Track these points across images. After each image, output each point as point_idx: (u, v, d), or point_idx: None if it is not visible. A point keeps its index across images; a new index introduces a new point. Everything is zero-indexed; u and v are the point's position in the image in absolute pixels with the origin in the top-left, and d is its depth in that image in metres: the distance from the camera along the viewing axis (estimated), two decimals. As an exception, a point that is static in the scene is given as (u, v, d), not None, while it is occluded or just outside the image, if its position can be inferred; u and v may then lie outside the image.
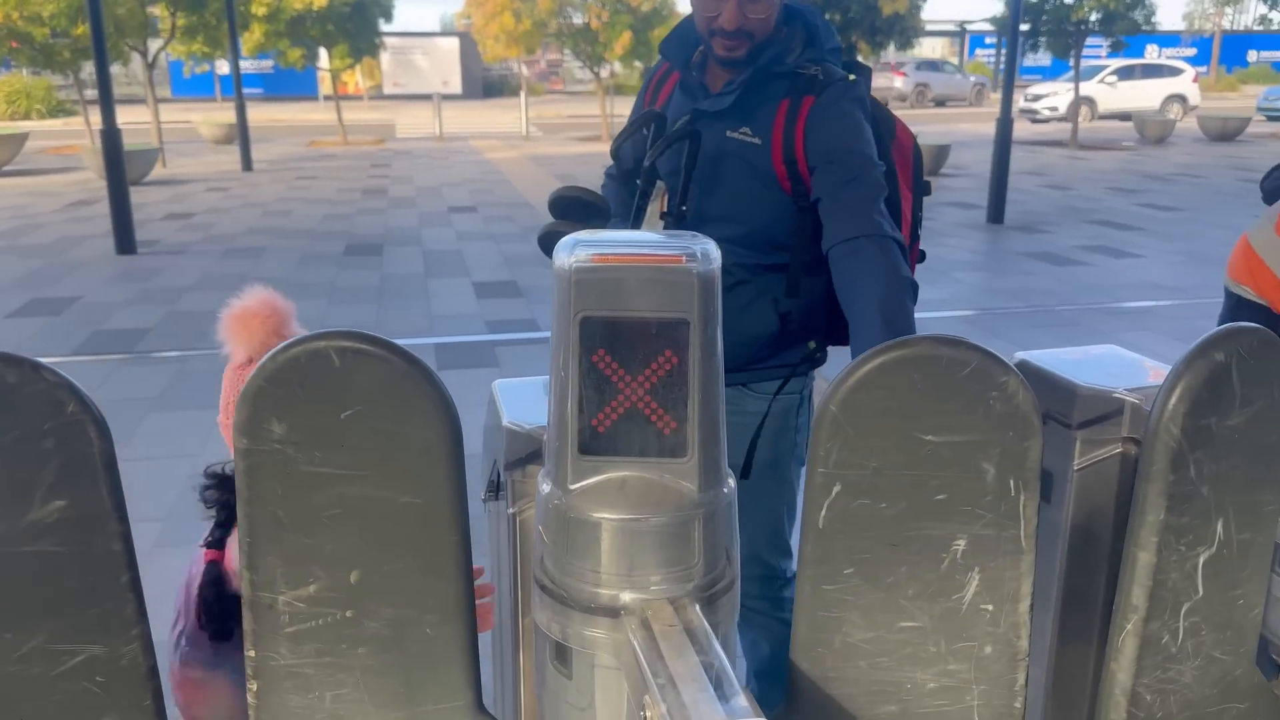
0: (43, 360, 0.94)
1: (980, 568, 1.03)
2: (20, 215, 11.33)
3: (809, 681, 1.05)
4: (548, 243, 1.78)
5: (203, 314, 6.90)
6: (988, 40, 41.34)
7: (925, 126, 22.45)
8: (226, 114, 20.86)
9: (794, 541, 1.39)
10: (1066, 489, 1.48)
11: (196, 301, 7.25)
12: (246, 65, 25.82)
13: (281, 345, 0.97)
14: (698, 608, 0.94)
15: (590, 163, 16.30)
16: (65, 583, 0.98)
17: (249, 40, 18.75)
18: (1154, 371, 1.50)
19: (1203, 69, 36.74)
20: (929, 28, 30.86)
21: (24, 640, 0.98)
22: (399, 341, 1.01)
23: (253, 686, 1.05)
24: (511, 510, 1.38)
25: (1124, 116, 24.37)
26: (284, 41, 19.16)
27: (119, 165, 9.02)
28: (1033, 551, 1.03)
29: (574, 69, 39.97)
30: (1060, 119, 23.73)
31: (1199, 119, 21.77)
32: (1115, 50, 19.46)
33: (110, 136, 8.94)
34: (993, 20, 18.98)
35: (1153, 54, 35.80)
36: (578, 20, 21.26)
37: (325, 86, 28.62)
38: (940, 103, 32.47)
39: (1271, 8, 25.47)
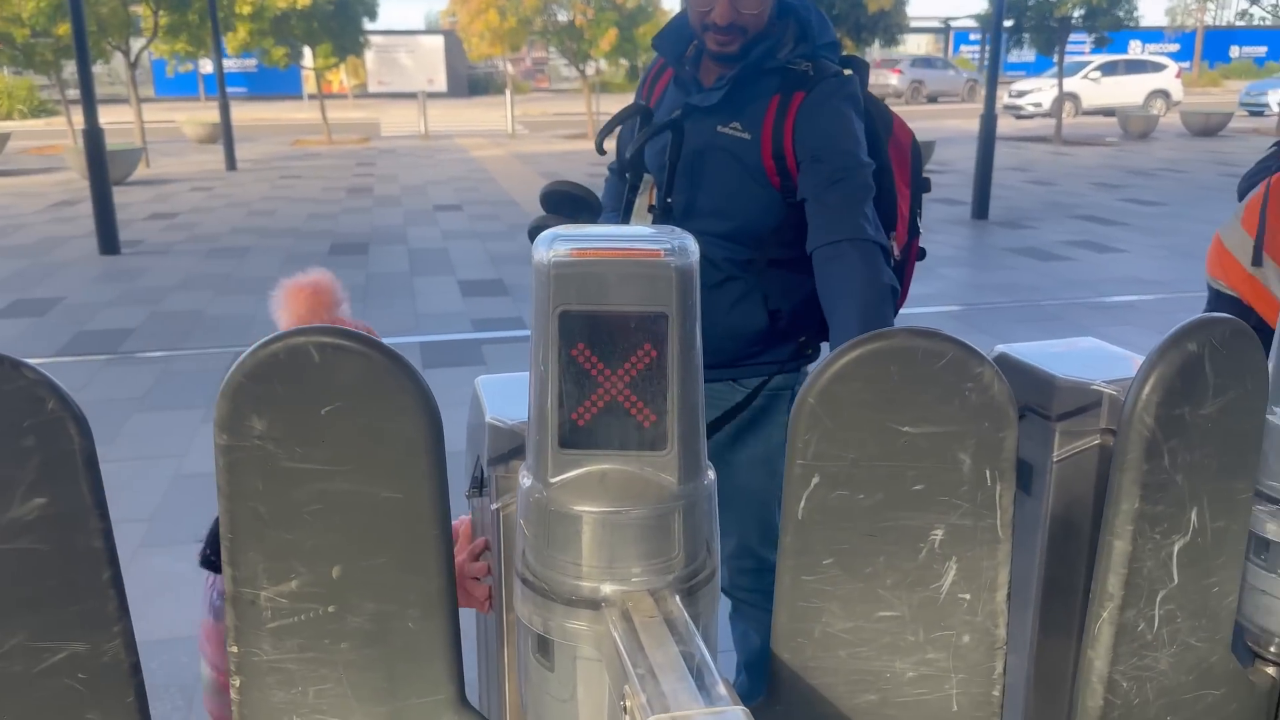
0: (24, 360, 0.95)
1: (957, 557, 1.04)
2: (2, 216, 11.27)
3: (789, 671, 1.06)
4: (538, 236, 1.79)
5: (187, 314, 6.88)
6: (972, 37, 41.48)
7: (911, 124, 22.49)
8: (210, 113, 20.76)
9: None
10: (1046, 480, 1.49)
11: (180, 301, 7.22)
12: (230, 64, 25.71)
13: (261, 341, 0.97)
14: (678, 599, 0.95)
15: (576, 160, 16.29)
16: (46, 580, 0.98)
17: (233, 39, 18.67)
18: (1133, 363, 1.51)
19: (1185, 64, 36.94)
20: (914, 24, 30.98)
21: (5, 638, 0.98)
22: (384, 340, 1.02)
23: (235, 682, 1.05)
24: (495, 506, 1.38)
25: (1108, 112, 24.48)
26: (268, 40, 19.09)
27: (102, 165, 8.98)
28: (1009, 541, 1.04)
29: (560, 66, 39.94)
30: (1044, 115, 23.82)
31: (1182, 114, 21.89)
32: (1098, 46, 19.55)
33: (93, 136, 8.90)
34: (977, 17, 19.05)
35: (1136, 50, 35.98)
36: (563, 17, 21.23)
37: (309, 85, 28.50)
38: (932, 99, 32.58)
39: (1253, 2, 25.63)
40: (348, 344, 0.97)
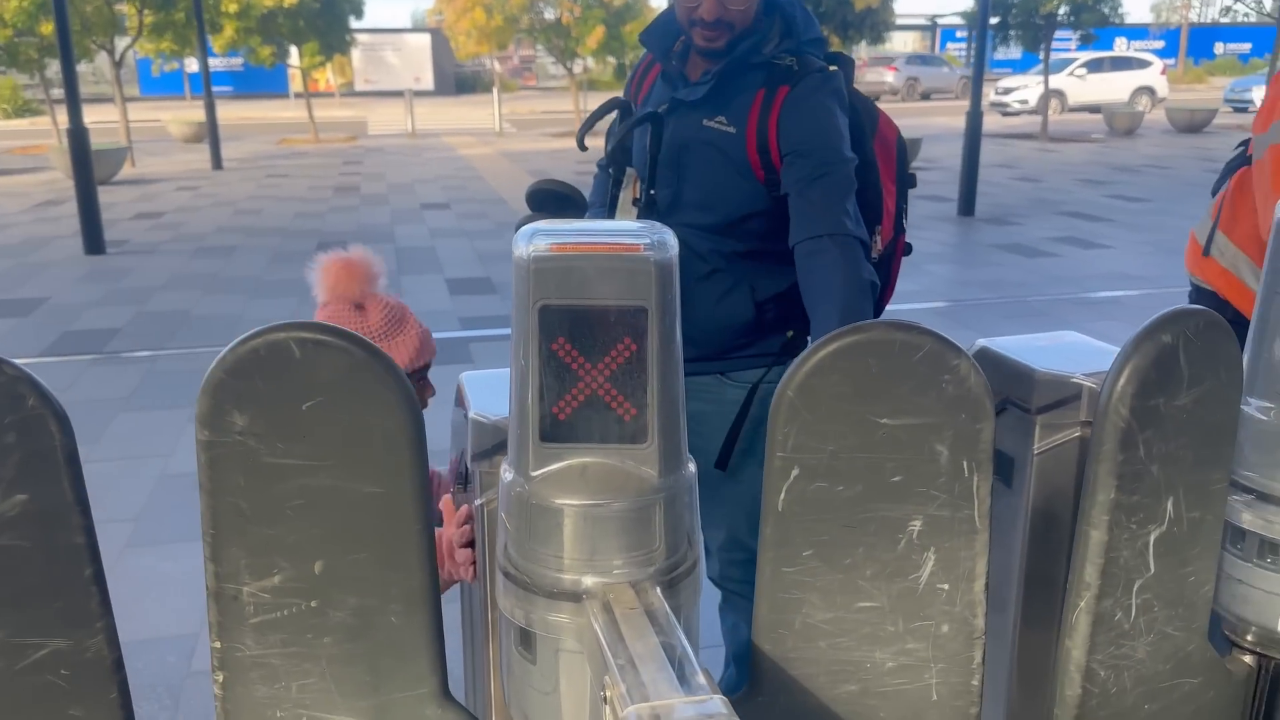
0: (3, 357, 0.95)
1: (936, 548, 1.04)
2: (-14, 216, 11.21)
3: (770, 663, 1.07)
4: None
5: (173, 313, 6.85)
6: (959, 34, 41.60)
7: (899, 121, 22.53)
8: (196, 112, 20.68)
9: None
10: (1027, 473, 1.50)
11: (166, 301, 7.19)
12: (216, 63, 25.60)
13: (241, 337, 0.97)
14: (659, 591, 0.95)
15: (564, 158, 16.28)
16: (28, 577, 0.98)
17: (219, 38, 18.59)
18: (1112, 356, 1.52)
19: (1170, 61, 37.12)
20: (900, 22, 31.03)
21: (-13, 635, 0.98)
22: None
23: (218, 678, 1.05)
24: (480, 501, 1.39)
25: (1093, 109, 24.58)
26: (254, 39, 19.02)
27: (86, 165, 8.94)
28: (987, 531, 1.05)
29: (547, 64, 39.90)
30: (1030, 112, 23.91)
31: (1167, 111, 22.00)
32: (1084, 43, 19.64)
33: (77, 136, 8.85)
34: (963, 14, 19.10)
35: (1121, 47, 36.13)
36: (550, 15, 21.21)
37: (296, 84, 28.41)
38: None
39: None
40: (328, 339, 0.97)
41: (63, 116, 9.51)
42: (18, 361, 0.95)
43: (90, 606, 1.01)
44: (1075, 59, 26.07)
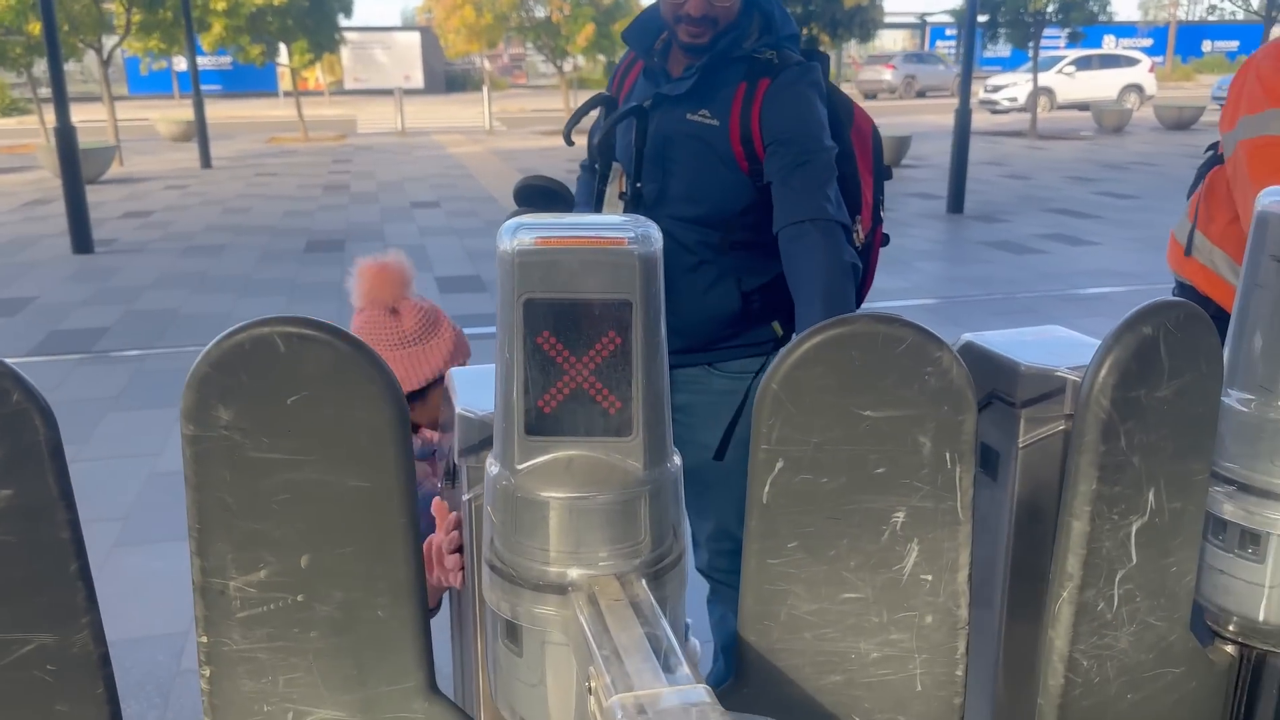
0: (-8, 356, 0.95)
1: (919, 539, 1.05)
2: (-27, 215, 11.15)
3: (756, 654, 1.08)
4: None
5: (161, 312, 6.83)
6: (948, 32, 41.70)
7: (890, 118, 22.60)
8: (185, 111, 20.62)
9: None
10: (1012, 467, 1.51)
11: (155, 300, 7.17)
12: (205, 62, 25.53)
13: (226, 331, 0.97)
14: (644, 583, 0.96)
15: (555, 156, 16.27)
16: (13, 572, 0.98)
17: (207, 37, 18.53)
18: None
19: (1158, 59, 37.27)
20: (889, 20, 31.11)
21: (-28, 630, 0.98)
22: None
23: (205, 672, 1.05)
24: (467, 497, 1.39)
25: (1082, 106, 24.67)
26: (243, 37, 18.96)
27: (74, 163, 8.90)
28: (970, 522, 1.06)
29: (537, 63, 39.86)
30: (1019, 109, 23.98)
31: (1155, 108, 22.10)
32: (1073, 41, 19.70)
33: (65, 134, 8.82)
34: (952, 12, 19.15)
35: (1110, 44, 36.26)
36: (540, 14, 21.20)
37: (285, 82, 28.34)
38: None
39: (1224, -2, 25.87)
40: (313, 333, 0.97)
41: (50, 115, 9.47)
42: (3, 359, 0.95)
43: (76, 601, 1.01)
44: (1064, 57, 26.15)
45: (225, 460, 0.99)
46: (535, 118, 24.98)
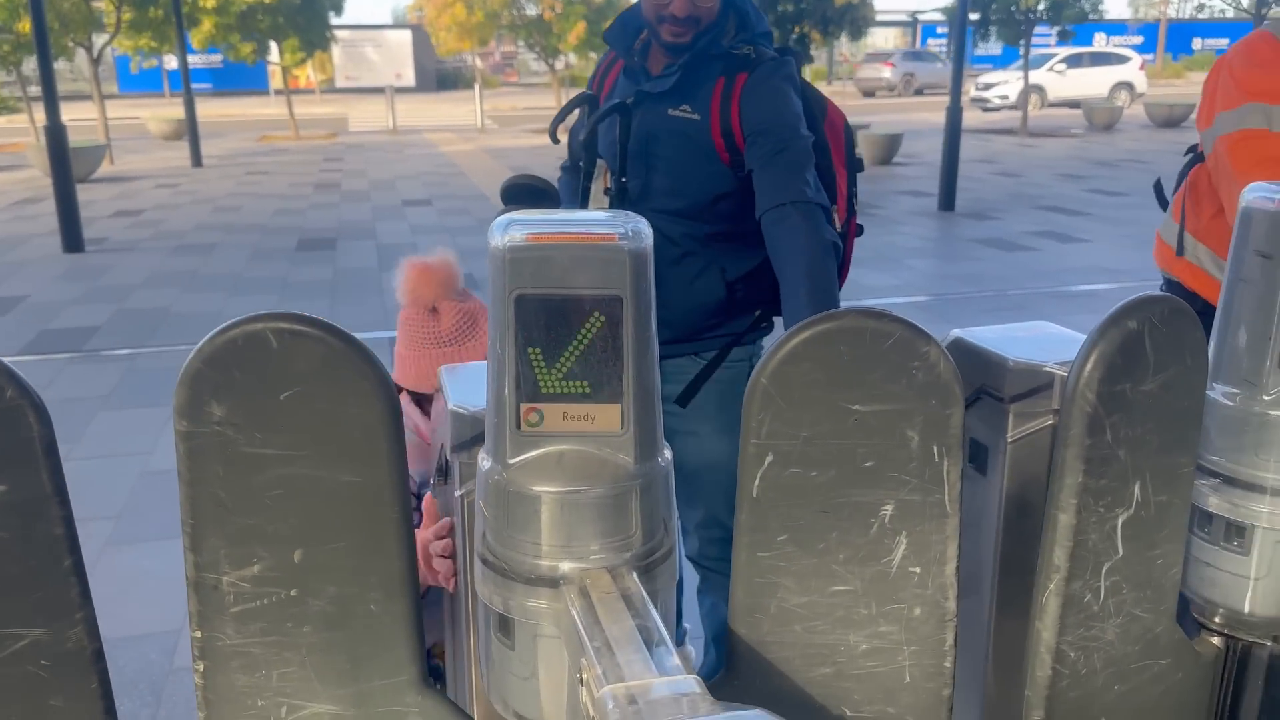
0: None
1: (907, 532, 1.06)
2: (-37, 214, 11.11)
3: (747, 647, 1.08)
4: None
5: (153, 311, 6.82)
6: (939, 30, 41.75)
7: (882, 116, 22.63)
8: (175, 109, 20.57)
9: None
10: (1001, 461, 1.52)
11: (146, 299, 7.16)
12: (195, 60, 25.45)
13: (219, 328, 0.98)
14: (635, 576, 0.96)
15: (546, 155, 16.26)
16: (7, 568, 0.98)
17: (197, 34, 18.48)
18: (1083, 345, 1.55)
19: (1149, 56, 37.39)
20: (881, 18, 31.13)
21: (-34, 626, 0.98)
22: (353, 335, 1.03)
23: (199, 667, 1.06)
24: (459, 493, 1.39)
25: (1073, 104, 24.74)
26: (234, 35, 18.92)
27: (65, 162, 8.88)
28: (957, 515, 1.07)
29: (529, 61, 39.84)
30: (1010, 107, 24.04)
31: (1146, 106, 22.17)
32: (1063, 39, 19.75)
33: (55, 133, 8.79)
34: (943, 10, 19.18)
35: (1100, 42, 36.37)
36: (531, 11, 21.18)
37: (276, 81, 28.27)
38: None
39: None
40: (305, 329, 0.98)
41: (40, 114, 9.44)
42: (-4, 359, 0.95)
43: (70, 597, 1.01)
44: (1055, 54, 26.23)
45: (218, 456, 0.99)
46: (527, 116, 24.96)
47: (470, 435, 1.36)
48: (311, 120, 23.75)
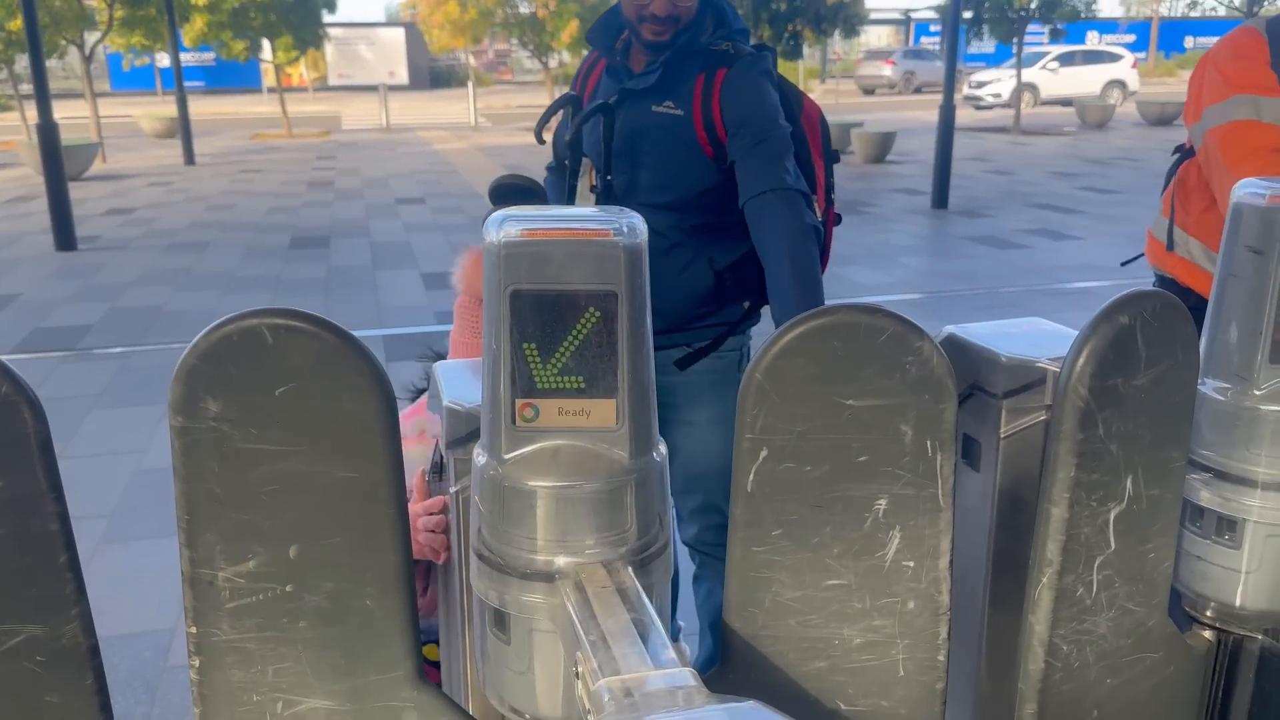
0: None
1: (901, 526, 1.07)
2: (-46, 212, 11.07)
3: (741, 640, 1.09)
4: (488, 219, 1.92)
5: (146, 309, 6.80)
6: (932, 28, 41.78)
7: (876, 114, 22.65)
8: (167, 107, 20.51)
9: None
10: (994, 457, 1.52)
11: (139, 297, 7.14)
12: (187, 58, 25.39)
13: (214, 324, 0.98)
14: (630, 570, 0.97)
15: (540, 153, 16.21)
16: (2, 564, 0.98)
17: (190, 32, 18.42)
18: (1075, 341, 1.56)
19: (1141, 55, 37.46)
20: (874, 16, 31.14)
21: (-38, 623, 0.98)
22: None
23: (194, 663, 1.06)
24: (454, 489, 1.40)
25: (1065, 102, 24.79)
26: (226, 33, 18.87)
27: (57, 160, 8.85)
28: (950, 509, 1.07)
29: (522, 58, 39.81)
30: (1003, 105, 24.08)
31: (1138, 104, 22.23)
32: (1056, 37, 19.79)
33: (47, 131, 8.77)
34: (936, 8, 19.20)
35: (1093, 40, 36.44)
36: (525, 9, 21.16)
37: (269, 79, 28.21)
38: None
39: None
40: (300, 325, 0.98)
41: (32, 112, 9.41)
42: (-11, 356, 0.95)
43: (65, 593, 1.01)
44: (1047, 53, 26.27)
45: (213, 451, 1.00)
46: (521, 113, 24.93)
47: (465, 432, 1.36)
48: (304, 118, 23.70)
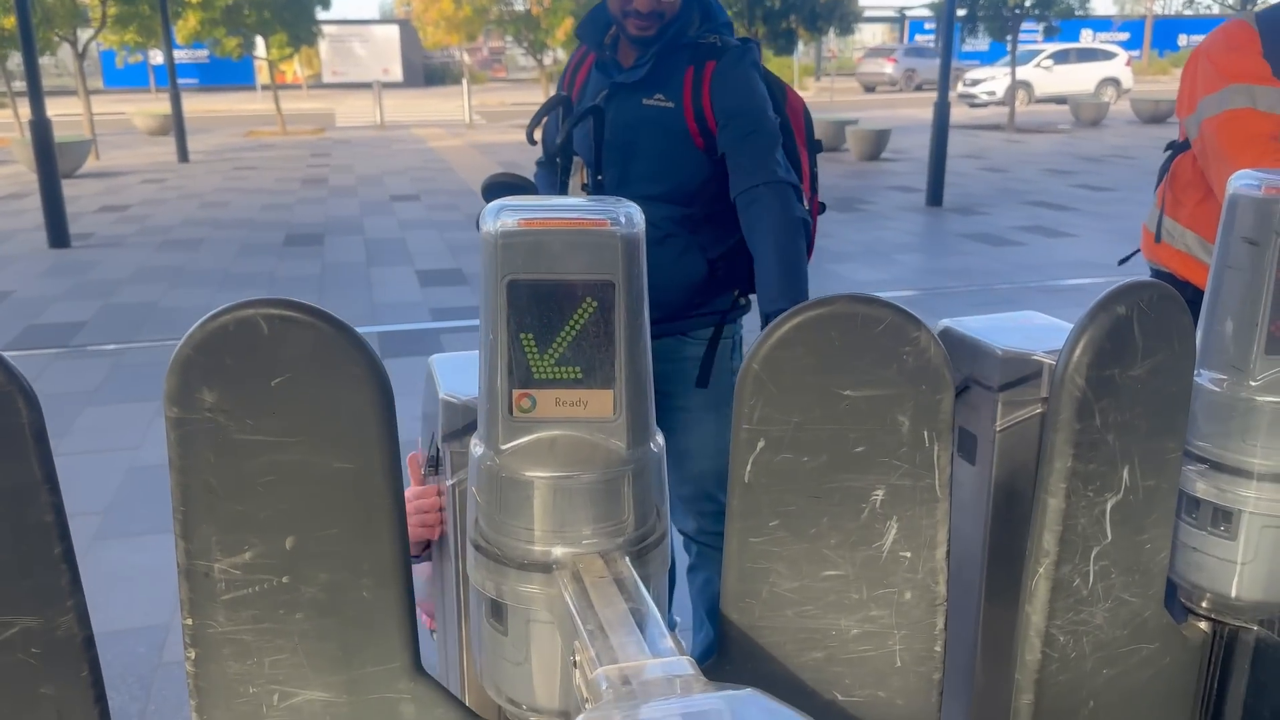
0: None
1: (898, 516, 1.07)
2: (-53, 210, 11.03)
3: (739, 631, 1.09)
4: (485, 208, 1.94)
5: (140, 306, 6.79)
6: (927, 26, 41.79)
7: (870, 112, 22.65)
8: (161, 105, 20.45)
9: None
10: (990, 450, 1.53)
11: (133, 294, 7.12)
12: (181, 55, 25.31)
13: (209, 314, 0.98)
14: (628, 560, 0.97)
15: (534, 150, 16.21)
16: (-3, 555, 0.98)
17: (183, 29, 18.36)
18: (1071, 334, 1.56)
19: (1135, 53, 37.52)
20: (868, 14, 31.15)
21: (-44, 614, 0.98)
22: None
23: (190, 655, 1.06)
24: (451, 482, 1.40)
25: (1060, 100, 24.82)
26: (220, 30, 18.81)
27: (50, 157, 8.82)
28: (947, 500, 1.07)
29: (517, 56, 39.76)
30: (998, 103, 24.10)
31: (1132, 102, 22.26)
32: (1050, 35, 19.81)
33: (40, 128, 8.74)
34: (931, 6, 19.21)
35: (1087, 38, 36.48)
36: (519, 7, 21.13)
37: (263, 76, 28.14)
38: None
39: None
40: (296, 315, 0.98)
41: (25, 109, 9.38)
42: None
43: (60, 584, 1.01)
44: (1042, 51, 26.31)
45: (209, 443, 0.99)
46: (515, 111, 24.89)
47: (462, 425, 1.36)
48: (299, 115, 23.65)
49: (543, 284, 0.94)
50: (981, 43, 24.31)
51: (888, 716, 1.13)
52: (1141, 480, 1.15)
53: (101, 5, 16.23)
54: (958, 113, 15.89)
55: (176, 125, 15.71)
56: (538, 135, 2.30)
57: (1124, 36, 41.67)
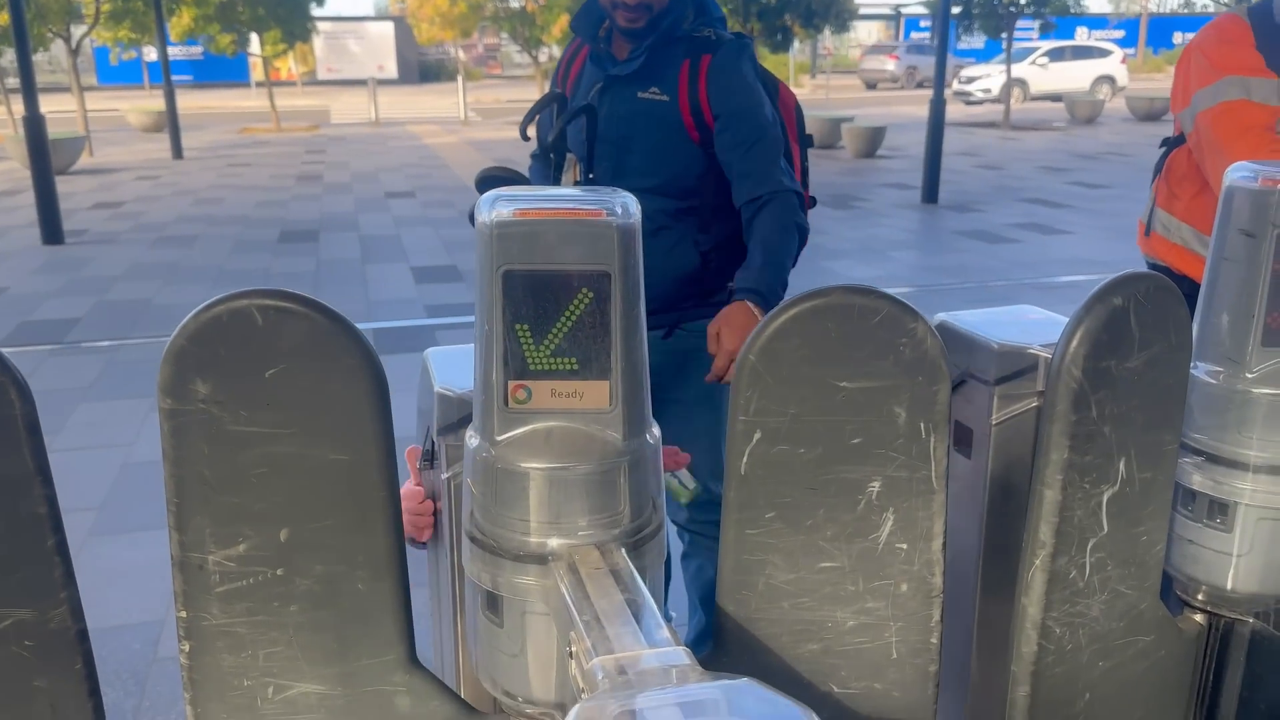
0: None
1: (894, 508, 1.06)
2: (-60, 206, 10.99)
3: (735, 623, 1.09)
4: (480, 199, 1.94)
5: (134, 303, 6.77)
6: (923, 23, 41.79)
7: (866, 110, 22.65)
8: (155, 101, 20.40)
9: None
10: (986, 444, 1.53)
11: (127, 291, 7.10)
12: (175, 52, 25.24)
13: (203, 304, 0.97)
14: (624, 551, 0.96)
15: (530, 146, 16.19)
16: (-10, 547, 0.98)
17: (177, 25, 18.30)
18: (1067, 327, 1.56)
19: (1130, 50, 37.57)
20: (864, 11, 31.13)
21: (-51, 607, 0.97)
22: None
23: (185, 647, 1.05)
24: (446, 475, 1.39)
25: (1055, 97, 24.82)
26: (214, 26, 18.75)
27: (43, 154, 8.80)
28: (943, 491, 1.07)
29: (512, 53, 39.71)
30: (993, 100, 24.12)
31: (1127, 99, 22.27)
32: (1045, 32, 19.83)
33: (33, 124, 8.71)
34: (926, 4, 19.21)
35: (1082, 36, 36.50)
36: (514, 3, 21.10)
37: (257, 73, 28.06)
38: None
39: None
40: (291, 306, 0.97)
41: (18, 105, 9.35)
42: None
43: (53, 577, 1.00)
44: (1037, 48, 26.32)
45: (203, 434, 0.99)
46: (510, 108, 24.86)
47: (457, 418, 1.35)
48: (293, 112, 23.59)
49: (538, 274, 0.94)
50: (977, 40, 24.33)
51: (884, 708, 1.13)
52: (1138, 472, 1.15)
53: (95, 1, 16.18)
54: (953, 110, 15.89)
55: (171, 122, 15.66)
56: (531, 132, 2.30)
57: (1119, 34, 41.71)
